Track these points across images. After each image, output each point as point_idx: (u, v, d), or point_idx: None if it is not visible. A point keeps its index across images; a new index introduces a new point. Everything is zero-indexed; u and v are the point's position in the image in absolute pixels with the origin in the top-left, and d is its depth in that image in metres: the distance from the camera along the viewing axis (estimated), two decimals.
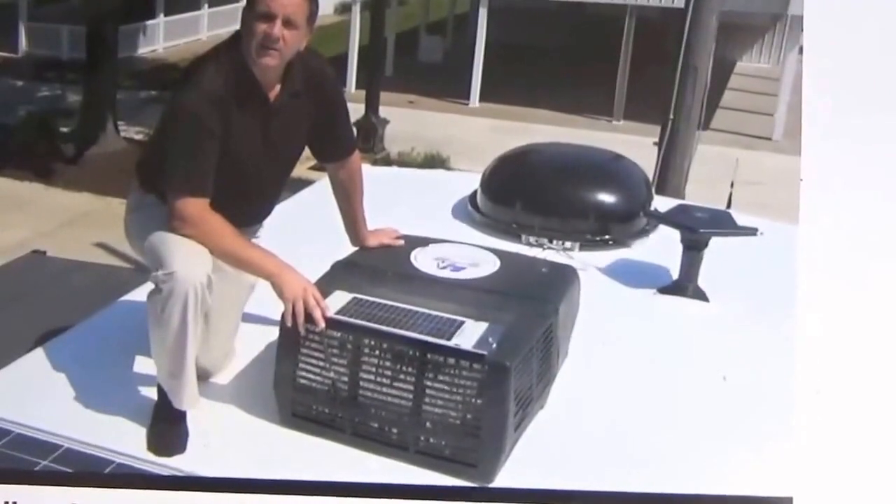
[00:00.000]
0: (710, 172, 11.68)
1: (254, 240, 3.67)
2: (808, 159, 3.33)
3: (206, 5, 29.22)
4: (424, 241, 3.98)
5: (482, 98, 23.18)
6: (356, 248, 3.97)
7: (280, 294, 3.35)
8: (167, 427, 3.42)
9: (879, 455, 3.17)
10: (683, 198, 9.86)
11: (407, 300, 3.49)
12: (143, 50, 27.42)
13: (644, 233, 5.38)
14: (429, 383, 3.27)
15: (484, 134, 20.03)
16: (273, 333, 3.50)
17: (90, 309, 4.32)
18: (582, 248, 5.19)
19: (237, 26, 3.43)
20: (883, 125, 3.33)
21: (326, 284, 3.54)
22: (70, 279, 6.08)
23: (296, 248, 3.63)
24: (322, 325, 3.33)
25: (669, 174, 11.65)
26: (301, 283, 3.35)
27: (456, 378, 3.24)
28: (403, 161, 17.95)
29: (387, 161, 18.04)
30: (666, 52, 12.52)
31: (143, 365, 3.67)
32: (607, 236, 5.28)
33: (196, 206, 3.37)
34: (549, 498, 3.16)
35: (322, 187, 4.17)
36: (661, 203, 5.50)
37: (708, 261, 4.69)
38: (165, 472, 3.28)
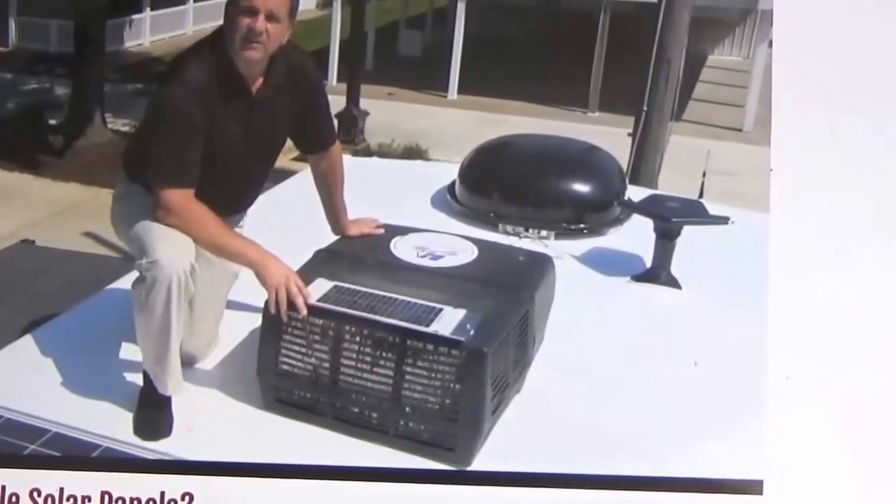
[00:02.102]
0: (683, 162, 11.71)
1: (237, 229, 3.72)
2: (778, 150, 3.39)
3: (192, 0, 29.08)
4: (404, 230, 4.02)
5: (460, 90, 23.11)
6: (337, 237, 4.00)
7: (263, 282, 3.39)
8: (152, 412, 3.45)
9: (847, 439, 3.24)
10: (656, 187, 9.92)
11: (387, 288, 3.53)
12: (130, 44, 27.25)
13: (618, 222, 5.43)
14: (408, 369, 3.31)
15: (462, 125, 20.00)
16: (256, 320, 3.54)
17: (78, 297, 4.34)
18: (557, 236, 5.24)
19: (222, 22, 3.47)
20: (849, 116, 3.39)
21: (308, 272, 3.59)
22: (58, 268, 6.07)
23: (278, 237, 3.67)
24: (304, 312, 3.38)
25: (643, 164, 11.69)
26: (283, 272, 3.40)
27: (434, 364, 3.29)
28: (383, 152, 17.89)
29: (367, 152, 17.96)
30: (639, 45, 12.53)
31: (129, 351, 3.70)
32: (582, 225, 5.32)
33: (180, 197, 3.40)
34: (524, 481, 3.21)
35: (304, 178, 4.18)
36: (635, 193, 5.54)
37: (680, 249, 4.75)
38: (151, 456, 3.31)
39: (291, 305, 3.38)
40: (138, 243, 3.43)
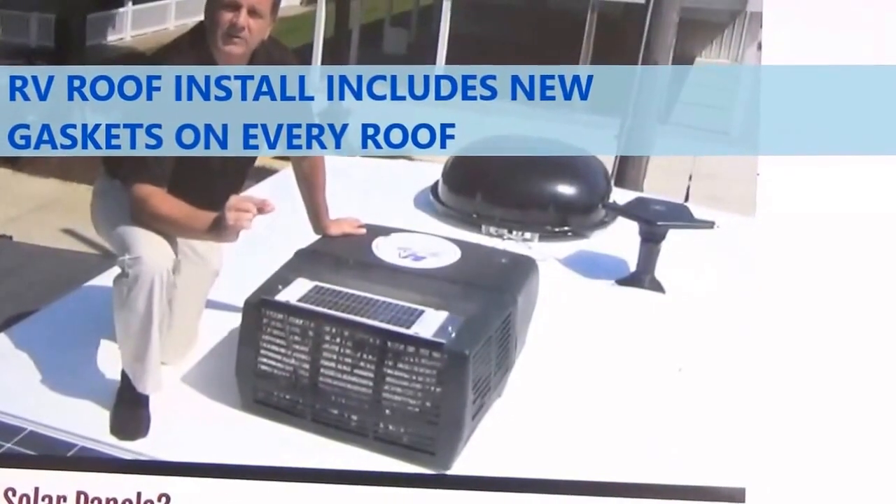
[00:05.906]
0: (669, 166, 11.71)
1: None
2: (766, 154, 3.39)
3: None
4: (386, 231, 3.99)
5: None
6: (319, 237, 3.98)
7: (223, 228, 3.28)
8: (130, 411, 3.42)
9: (831, 446, 3.23)
10: (642, 190, 9.89)
11: (368, 289, 3.51)
12: (111, 38, 27.18)
13: (603, 225, 5.42)
14: (388, 371, 3.29)
15: None
16: (236, 320, 3.53)
17: (56, 294, 4.31)
18: (541, 239, 5.22)
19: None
20: (838, 120, 3.39)
21: (289, 272, 3.58)
22: (36, 265, 6.05)
23: (259, 236, 3.64)
24: (272, 207, 3.28)
25: (628, 167, 11.69)
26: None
27: (415, 366, 3.27)
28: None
29: None
30: (627, 46, 12.55)
31: (108, 349, 3.67)
32: (566, 228, 5.31)
33: (150, 193, 3.34)
34: (505, 486, 3.20)
35: (285, 176, 4.17)
36: (620, 195, 5.54)
37: (665, 253, 4.74)
38: (127, 456, 3.29)
39: (271, 305, 3.38)
40: (120, 240, 3.39)
